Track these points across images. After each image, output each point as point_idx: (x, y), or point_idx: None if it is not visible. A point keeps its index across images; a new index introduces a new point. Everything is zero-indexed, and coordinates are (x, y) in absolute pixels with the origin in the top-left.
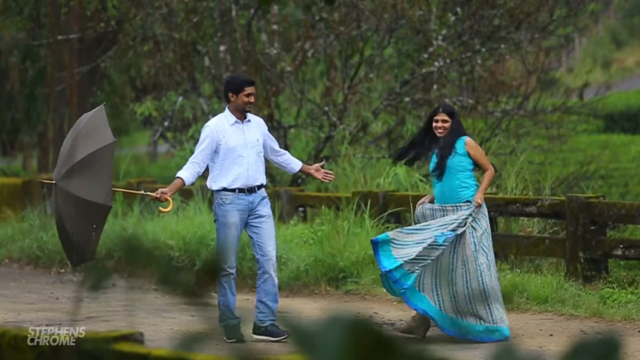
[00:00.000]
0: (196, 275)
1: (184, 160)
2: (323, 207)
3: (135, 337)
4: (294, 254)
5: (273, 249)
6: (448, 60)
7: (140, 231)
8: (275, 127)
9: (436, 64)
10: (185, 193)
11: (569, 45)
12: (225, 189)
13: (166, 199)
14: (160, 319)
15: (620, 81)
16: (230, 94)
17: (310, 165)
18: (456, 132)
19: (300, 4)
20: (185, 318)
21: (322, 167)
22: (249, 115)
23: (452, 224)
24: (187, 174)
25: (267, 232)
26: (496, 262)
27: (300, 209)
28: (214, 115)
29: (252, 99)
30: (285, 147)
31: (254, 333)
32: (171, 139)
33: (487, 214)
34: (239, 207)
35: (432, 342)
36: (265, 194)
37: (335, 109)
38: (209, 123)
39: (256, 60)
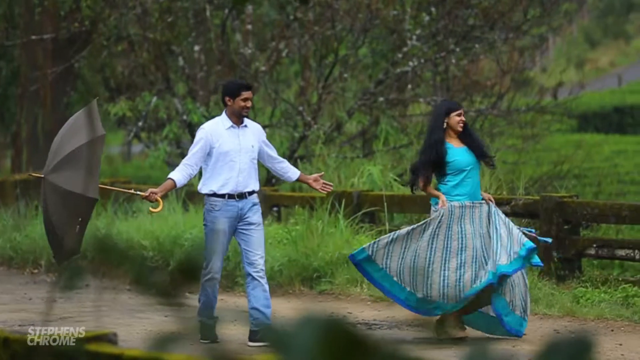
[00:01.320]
0: (170, 275)
1: (158, 161)
2: (297, 207)
3: (108, 338)
4: (268, 254)
5: (261, 258)
6: (422, 60)
7: (114, 231)
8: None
9: (410, 63)
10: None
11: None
12: (215, 194)
13: (156, 199)
14: (134, 319)
15: (594, 81)
16: (227, 98)
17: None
18: None
19: (275, 4)
20: (159, 318)
21: (321, 177)
22: (246, 121)
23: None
24: (179, 175)
25: (256, 240)
26: None
27: (274, 208)
28: (188, 115)
29: (249, 104)
30: None
31: (250, 340)
32: (145, 139)
33: None
34: (228, 214)
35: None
36: (257, 201)
37: (309, 109)
38: (204, 125)
39: (230, 60)
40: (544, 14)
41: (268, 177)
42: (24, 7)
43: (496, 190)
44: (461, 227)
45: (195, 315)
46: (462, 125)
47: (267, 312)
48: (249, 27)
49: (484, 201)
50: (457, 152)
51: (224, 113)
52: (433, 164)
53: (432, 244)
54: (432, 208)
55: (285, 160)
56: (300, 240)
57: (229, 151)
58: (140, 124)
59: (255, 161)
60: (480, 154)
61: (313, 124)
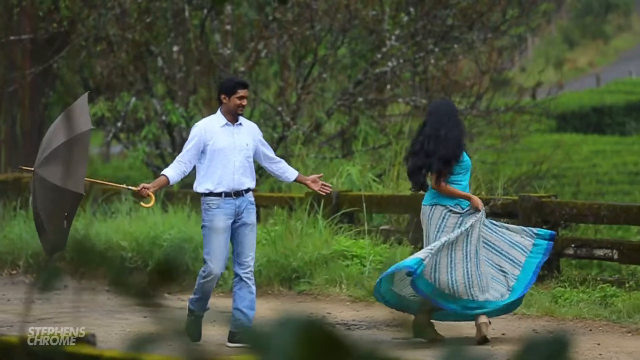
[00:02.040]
0: (149, 276)
1: (137, 161)
2: (276, 207)
3: (87, 339)
4: None
5: (252, 259)
6: (401, 60)
7: (93, 232)
8: None
9: (389, 64)
10: (137, 193)
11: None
12: (211, 193)
13: (148, 195)
14: (113, 320)
15: (573, 81)
16: (222, 96)
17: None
18: None
19: (254, 4)
20: (137, 319)
21: (320, 178)
22: (242, 119)
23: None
24: (172, 172)
25: (249, 241)
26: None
27: None
28: (167, 115)
29: (244, 102)
30: None
31: (230, 341)
32: (124, 140)
33: None
34: (226, 212)
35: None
36: (252, 199)
37: (288, 109)
38: (198, 123)
39: (209, 60)
40: (522, 14)
41: None
42: (2, 8)
43: (475, 190)
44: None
45: (187, 306)
46: None
47: (250, 314)
48: (228, 27)
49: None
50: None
51: (219, 111)
52: (454, 162)
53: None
54: (456, 208)
55: (282, 160)
56: (279, 240)
57: (224, 149)
58: (119, 124)
59: (251, 159)
60: None
61: (292, 124)
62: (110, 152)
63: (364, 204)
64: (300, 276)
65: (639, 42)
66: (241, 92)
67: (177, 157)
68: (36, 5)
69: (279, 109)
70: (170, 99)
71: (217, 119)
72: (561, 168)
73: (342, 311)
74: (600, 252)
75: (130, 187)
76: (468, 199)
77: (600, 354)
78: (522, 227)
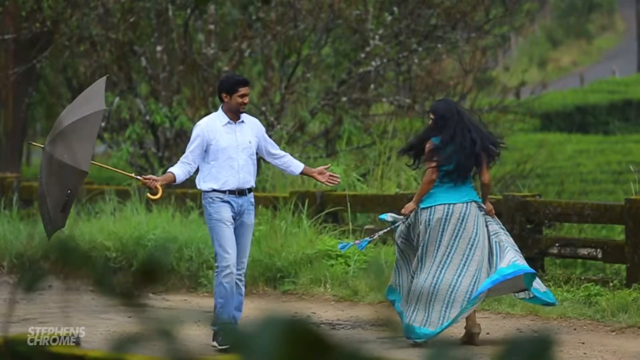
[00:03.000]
0: (133, 276)
1: (121, 161)
2: (260, 206)
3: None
4: None
5: (246, 260)
6: (385, 60)
7: (77, 232)
8: None
9: (373, 63)
10: (122, 193)
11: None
12: (214, 190)
13: (155, 187)
14: (97, 320)
15: (556, 80)
16: (223, 95)
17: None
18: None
19: (237, 4)
20: (122, 319)
21: (327, 169)
22: (244, 116)
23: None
24: (178, 170)
25: (245, 242)
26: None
27: None
28: (151, 115)
29: (246, 100)
30: None
31: (213, 339)
32: (108, 140)
33: None
34: (230, 205)
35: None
36: (253, 200)
37: (272, 109)
38: (200, 122)
39: (193, 60)
40: (506, 13)
41: None
42: None
43: None
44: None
45: (214, 321)
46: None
47: (238, 315)
48: (212, 27)
49: None
50: None
51: (220, 109)
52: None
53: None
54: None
55: (287, 155)
56: (263, 240)
57: (227, 148)
58: (102, 124)
59: (254, 157)
60: None
61: (276, 124)
62: (94, 152)
63: (348, 204)
64: (284, 276)
65: (622, 41)
66: (242, 90)
67: (182, 158)
68: (19, 5)
69: (263, 108)
70: (154, 99)
71: (218, 118)
72: (545, 167)
73: (326, 311)
74: (584, 252)
75: (138, 177)
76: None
77: (584, 353)
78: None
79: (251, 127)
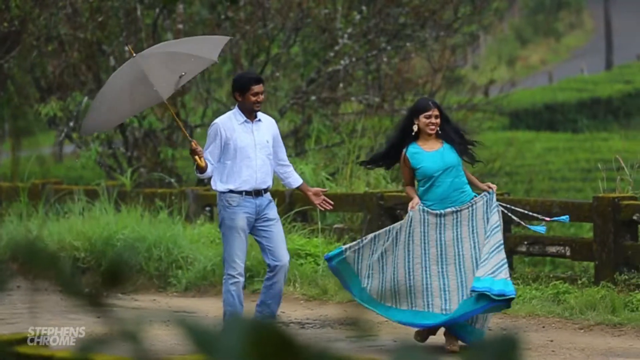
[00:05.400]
0: (101, 276)
1: (90, 161)
2: None
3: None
4: (201, 253)
5: (286, 253)
6: (354, 59)
7: (45, 232)
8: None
9: (342, 62)
10: (91, 193)
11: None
12: (231, 191)
13: (201, 153)
14: (66, 321)
15: (525, 78)
16: (236, 94)
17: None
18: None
19: (206, 3)
20: (91, 320)
21: (324, 193)
22: (260, 115)
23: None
24: (208, 163)
25: (278, 235)
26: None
27: (207, 208)
28: None
29: (260, 98)
30: None
31: None
32: (77, 140)
33: None
34: (246, 210)
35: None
36: (271, 197)
37: (177, 122)
38: (216, 120)
39: None
40: (474, 12)
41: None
42: None
43: None
44: (439, 234)
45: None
46: (432, 128)
47: (275, 309)
48: (180, 26)
49: (469, 202)
50: (425, 157)
51: (236, 107)
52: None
53: (409, 251)
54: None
55: (291, 165)
56: None
57: (245, 147)
58: (71, 124)
59: (271, 157)
60: (461, 151)
61: (183, 136)
62: (62, 151)
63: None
64: (253, 275)
65: (590, 39)
66: (255, 88)
67: (205, 156)
68: None
69: (232, 107)
70: None
71: (235, 116)
72: (514, 165)
73: (295, 310)
74: (552, 249)
75: (192, 140)
76: (411, 198)
77: (553, 351)
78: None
79: (268, 126)
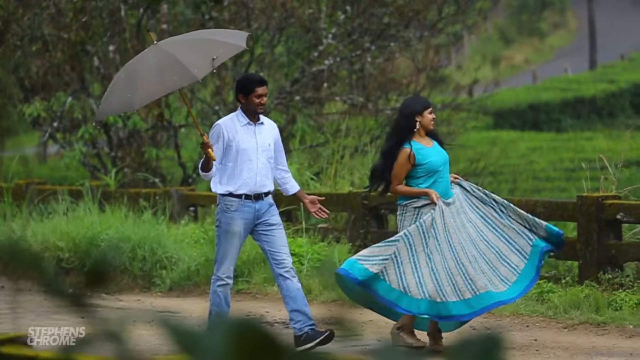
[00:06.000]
0: (84, 276)
1: (74, 161)
2: (214, 206)
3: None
4: (185, 253)
5: (288, 256)
6: (338, 59)
7: (29, 232)
8: (165, 126)
9: (326, 62)
10: (75, 194)
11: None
12: (231, 194)
13: (212, 146)
14: (50, 321)
15: (509, 78)
16: (240, 96)
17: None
18: None
19: (190, 3)
20: (74, 320)
21: (319, 201)
22: (262, 118)
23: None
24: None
25: (279, 240)
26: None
27: (191, 208)
28: None
29: (263, 100)
30: (176, 147)
31: (297, 345)
32: (61, 140)
33: None
34: (244, 215)
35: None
36: (272, 201)
37: (225, 108)
38: (219, 122)
39: None
40: (458, 11)
41: (184, 177)
42: None
43: None
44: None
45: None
46: (433, 123)
47: (307, 310)
48: (164, 26)
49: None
50: (430, 152)
51: (239, 109)
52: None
53: (448, 242)
54: (403, 208)
55: (289, 172)
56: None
57: (247, 149)
58: (55, 124)
59: (272, 160)
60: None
61: (195, 128)
62: (46, 152)
63: (302, 203)
64: (238, 275)
65: (574, 39)
66: (259, 90)
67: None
68: None
69: (216, 107)
70: None
71: (237, 118)
72: (498, 165)
73: (280, 310)
74: None
75: (203, 134)
76: (425, 194)
77: (537, 350)
78: (527, 220)
79: (270, 130)
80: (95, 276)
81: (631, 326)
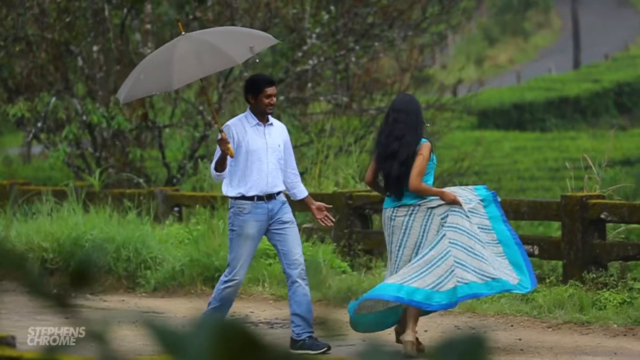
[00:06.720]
0: (68, 277)
1: (58, 162)
2: (198, 206)
3: (7, 341)
4: (170, 254)
5: (300, 256)
6: (322, 59)
7: (13, 233)
8: (149, 126)
9: (310, 62)
10: (59, 194)
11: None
12: (243, 197)
13: (229, 143)
14: (34, 322)
15: (493, 78)
16: (249, 97)
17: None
18: None
19: (174, 3)
20: (59, 320)
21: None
22: (272, 119)
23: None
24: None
25: (292, 238)
26: (371, 259)
27: (176, 208)
28: (88, 115)
29: (273, 100)
30: (160, 147)
31: (292, 349)
32: (45, 140)
33: None
34: (258, 218)
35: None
36: (285, 199)
37: (210, 108)
38: (228, 123)
39: (130, 60)
40: (442, 11)
41: (169, 177)
42: None
43: None
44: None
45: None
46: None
47: (309, 318)
48: (148, 26)
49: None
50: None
51: (248, 110)
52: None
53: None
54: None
55: (299, 175)
56: (201, 239)
57: (257, 150)
58: (39, 124)
59: (282, 161)
60: None
61: (214, 123)
62: (30, 152)
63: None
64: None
65: (558, 39)
66: (269, 91)
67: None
68: None
69: (200, 108)
70: (91, 99)
71: (247, 119)
72: (482, 165)
73: (265, 310)
74: None
75: (221, 130)
76: (440, 194)
77: (521, 350)
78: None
79: (279, 131)
80: (80, 277)
81: (615, 325)
